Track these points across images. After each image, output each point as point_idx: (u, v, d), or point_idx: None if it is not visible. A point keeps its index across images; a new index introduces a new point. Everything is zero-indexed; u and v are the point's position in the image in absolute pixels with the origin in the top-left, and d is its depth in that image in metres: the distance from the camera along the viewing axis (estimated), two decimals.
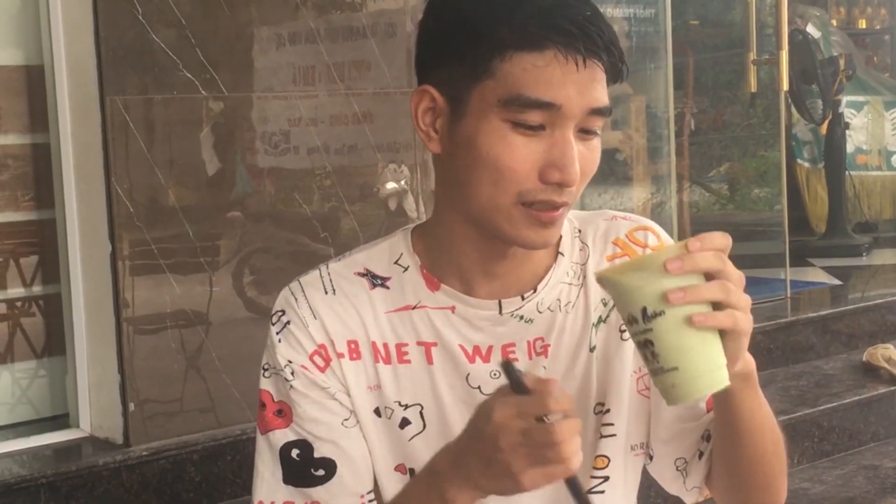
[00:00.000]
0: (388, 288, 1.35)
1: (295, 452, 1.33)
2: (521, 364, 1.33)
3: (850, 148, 6.60)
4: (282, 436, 1.34)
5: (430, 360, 1.34)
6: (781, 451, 1.33)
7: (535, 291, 1.34)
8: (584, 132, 1.25)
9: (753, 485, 1.33)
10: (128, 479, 2.94)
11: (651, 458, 1.43)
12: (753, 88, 5.37)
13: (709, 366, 1.11)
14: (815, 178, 6.58)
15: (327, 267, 1.38)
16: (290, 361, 1.33)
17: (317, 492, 1.32)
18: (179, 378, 3.16)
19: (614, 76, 1.26)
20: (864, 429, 4.03)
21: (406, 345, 1.34)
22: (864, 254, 6.26)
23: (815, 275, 5.72)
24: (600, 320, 1.36)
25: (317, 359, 1.33)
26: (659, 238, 1.41)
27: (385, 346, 1.34)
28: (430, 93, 1.27)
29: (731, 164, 7.00)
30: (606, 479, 1.39)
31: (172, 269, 3.14)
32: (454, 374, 1.34)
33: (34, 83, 3.21)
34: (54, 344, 3.30)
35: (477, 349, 1.34)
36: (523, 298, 1.34)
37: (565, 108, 1.21)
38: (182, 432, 3.09)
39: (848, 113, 6.54)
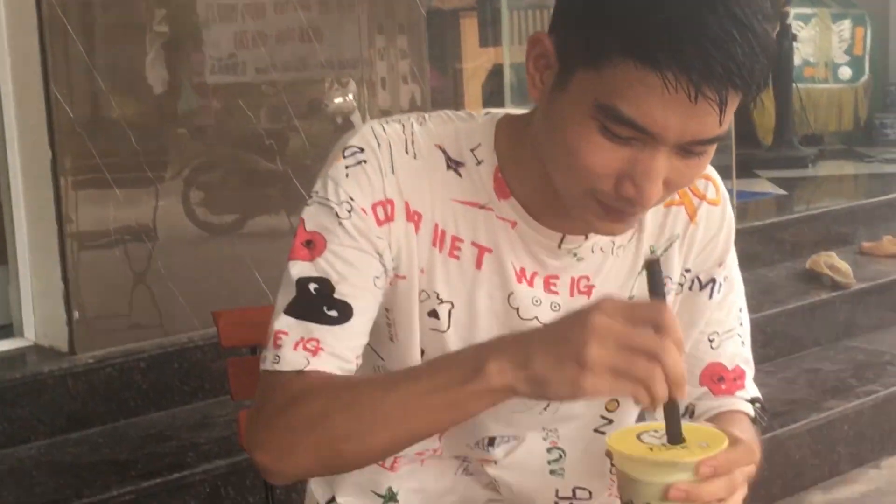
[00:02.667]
0: (460, 176, 1.26)
1: (313, 286, 1.22)
2: (561, 299, 1.30)
3: (797, 60, 6.62)
4: (302, 268, 1.23)
5: (479, 265, 1.27)
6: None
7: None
8: (689, 151, 1.12)
9: None
10: (74, 387, 2.93)
11: None
12: None
13: None
14: (763, 90, 6.60)
15: (412, 126, 1.27)
16: (353, 199, 1.23)
17: (320, 330, 1.21)
18: (125, 288, 3.14)
19: (744, 101, 1.12)
20: (806, 334, 4.10)
21: (462, 241, 1.26)
22: (810, 165, 6.31)
23: (762, 186, 5.77)
24: (643, 268, 1.30)
25: (380, 210, 1.23)
26: (718, 191, 1.34)
27: (443, 232, 1.26)
28: (546, 46, 1.15)
29: None
30: (611, 422, 1.39)
31: (118, 184, 3.10)
32: (499, 286, 1.28)
33: None
34: None
35: (523, 271, 1.28)
36: (586, 237, 1.28)
37: (660, 136, 1.09)
38: (128, 340, 3.07)
39: (795, 25, 6.55)
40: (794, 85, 6.48)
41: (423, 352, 1.30)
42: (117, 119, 3.09)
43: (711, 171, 1.33)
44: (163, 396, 3.05)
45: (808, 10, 6.88)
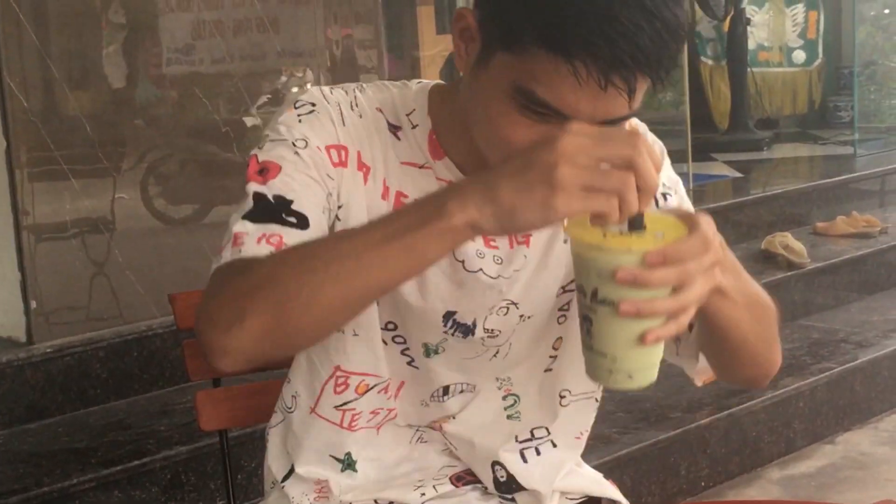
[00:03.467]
0: (399, 139, 1.32)
1: (271, 196, 1.23)
2: (502, 252, 1.33)
3: (751, 45, 6.68)
4: (259, 187, 1.24)
5: None
6: (768, 326, 1.29)
7: None
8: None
9: (740, 363, 1.32)
10: (32, 377, 2.92)
11: None
12: None
13: (639, 364, 1.08)
14: (719, 75, 6.65)
15: (353, 91, 1.33)
16: (308, 138, 1.26)
17: (282, 230, 1.21)
18: (83, 277, 3.14)
19: (653, 86, 1.16)
20: None
21: (406, 196, 1.30)
22: (766, 148, 6.37)
23: (719, 169, 5.83)
24: None
25: (334, 153, 1.28)
26: (632, 127, 1.34)
27: (388, 189, 1.30)
28: (469, 22, 1.19)
29: None
30: (555, 357, 1.43)
31: (75, 174, 3.09)
32: None
33: None
34: None
35: None
36: None
37: (574, 117, 1.11)
38: (87, 330, 3.07)
39: (750, 9, 6.60)
40: (748, 69, 6.54)
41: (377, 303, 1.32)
42: (73, 109, 3.08)
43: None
44: (122, 385, 3.05)
45: None
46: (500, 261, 1.34)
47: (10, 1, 2.94)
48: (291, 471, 1.46)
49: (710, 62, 6.69)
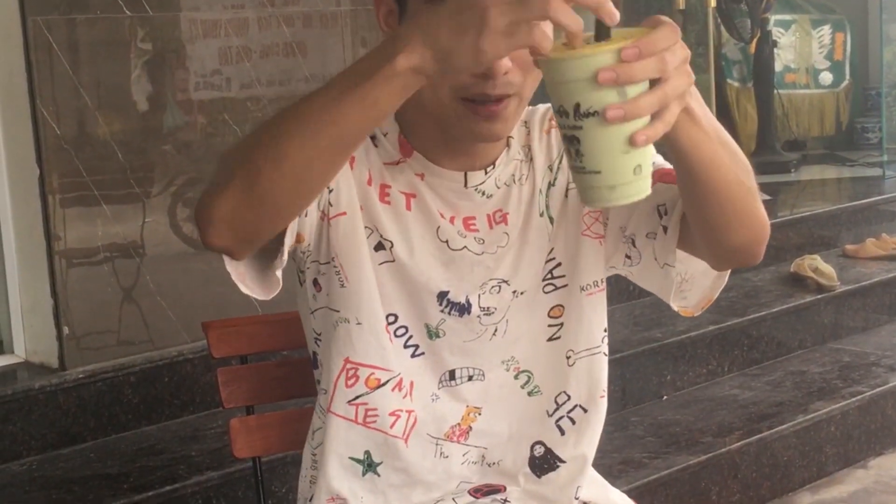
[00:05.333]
0: (375, 146, 1.42)
1: None
2: (482, 234, 1.43)
3: (778, 66, 6.66)
4: None
5: (408, 207, 1.41)
6: (746, 172, 1.28)
7: (493, 167, 1.43)
8: None
9: (727, 218, 1.28)
10: (64, 402, 2.94)
11: (630, 258, 1.47)
12: (682, 6, 5.40)
13: (633, 174, 1.07)
14: (745, 97, 6.64)
15: None
16: None
17: None
18: (114, 302, 3.16)
19: None
20: (791, 337, 4.13)
21: (390, 187, 1.41)
22: (793, 170, 6.34)
23: None
24: (549, 185, 1.46)
25: None
26: None
27: (371, 178, 1.41)
28: (388, 1, 1.32)
29: None
30: (561, 325, 1.48)
31: (106, 200, 3.11)
32: (426, 224, 1.42)
33: None
34: None
35: (442, 216, 1.42)
36: (486, 173, 1.42)
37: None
38: (118, 355, 3.09)
39: (776, 31, 6.59)
40: (775, 91, 6.53)
41: (381, 286, 1.41)
42: (104, 136, 3.11)
43: None
44: (153, 410, 3.07)
45: (788, 17, 6.93)
46: (481, 241, 1.43)
47: (42, 29, 2.98)
48: (317, 490, 1.49)
49: (736, 84, 6.68)
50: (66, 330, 3.04)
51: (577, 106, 1.04)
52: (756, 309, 4.06)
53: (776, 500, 3.41)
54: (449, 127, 1.34)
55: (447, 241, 1.42)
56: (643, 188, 1.08)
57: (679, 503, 3.13)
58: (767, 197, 5.59)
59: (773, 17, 6.47)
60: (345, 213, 1.39)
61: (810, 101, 7.01)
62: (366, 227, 1.40)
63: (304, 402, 1.71)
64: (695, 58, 6.59)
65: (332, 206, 1.38)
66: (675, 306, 1.47)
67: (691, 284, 1.45)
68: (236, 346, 1.76)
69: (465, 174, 1.41)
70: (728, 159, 1.22)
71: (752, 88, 6.57)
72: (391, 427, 1.44)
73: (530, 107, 1.46)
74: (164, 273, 3.22)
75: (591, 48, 1.04)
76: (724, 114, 6.32)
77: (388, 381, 1.43)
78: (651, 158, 1.09)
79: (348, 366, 1.42)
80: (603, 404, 1.53)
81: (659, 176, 1.34)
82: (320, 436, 1.48)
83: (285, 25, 3.46)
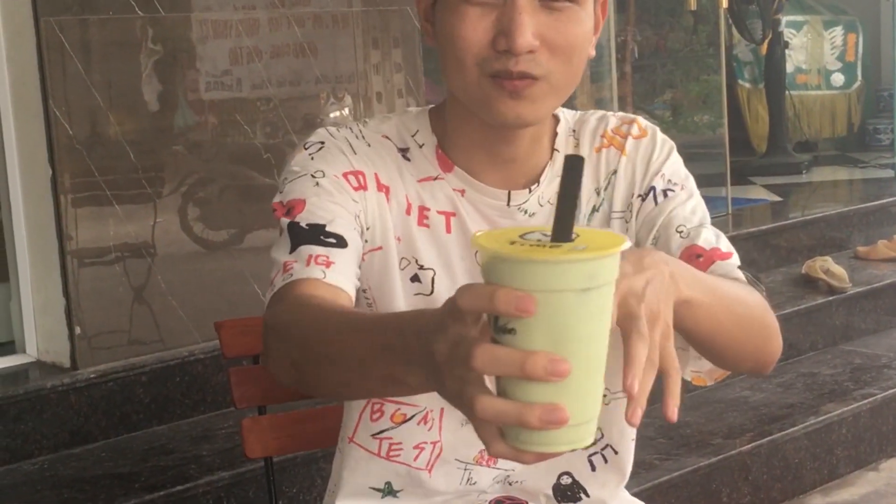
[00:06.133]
0: (409, 160, 1.38)
1: (304, 224, 1.28)
2: None
3: (789, 67, 6.65)
4: (288, 221, 1.29)
5: (448, 229, 1.37)
6: (755, 319, 1.27)
7: (538, 184, 1.37)
8: (545, 4, 1.24)
9: (736, 359, 1.29)
10: (76, 402, 2.94)
11: None
12: (693, 6, 5.39)
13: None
14: (756, 98, 6.63)
15: (357, 126, 1.40)
16: (324, 170, 1.32)
17: (325, 250, 1.25)
18: (126, 302, 3.16)
19: None
20: (802, 339, 4.12)
21: (428, 209, 1.37)
22: (804, 171, 6.34)
23: (757, 192, 5.80)
24: (594, 210, 1.41)
25: (352, 178, 1.33)
26: (641, 127, 1.43)
27: (410, 205, 1.37)
28: None
29: (675, 92, 7.04)
30: None
31: (118, 200, 3.12)
32: (466, 246, 1.37)
33: None
34: None
35: None
36: (530, 191, 1.37)
37: None
38: (130, 355, 3.09)
39: (787, 33, 6.58)
40: (787, 92, 6.52)
41: None
42: (115, 136, 3.12)
43: (637, 117, 1.45)
44: (165, 410, 3.07)
45: (799, 18, 6.92)
46: None
47: (54, 29, 2.99)
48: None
49: (747, 85, 6.67)
50: (77, 329, 3.05)
51: (496, 319, 0.84)
52: None
53: (787, 502, 3.40)
54: (478, 108, 1.28)
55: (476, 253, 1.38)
56: (585, 435, 0.86)
57: None
58: (779, 198, 5.58)
59: (784, 18, 6.46)
60: (380, 248, 1.35)
61: (822, 102, 7.00)
62: (402, 259, 1.36)
63: (317, 403, 1.71)
64: (706, 59, 6.61)
65: (367, 242, 1.34)
66: (687, 375, 1.39)
67: None
68: (249, 346, 1.76)
69: (509, 193, 1.37)
70: (734, 320, 1.22)
71: (764, 90, 6.56)
72: (414, 459, 1.42)
73: (580, 111, 1.43)
74: (175, 273, 3.23)
75: (527, 250, 0.83)
76: (735, 115, 6.32)
77: (413, 416, 1.40)
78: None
79: (374, 400, 1.40)
80: (632, 448, 1.49)
81: (687, 256, 1.32)
82: (340, 459, 1.46)
83: (296, 26, 3.47)
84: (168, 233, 3.23)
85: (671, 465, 3.12)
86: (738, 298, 1.25)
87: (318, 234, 1.26)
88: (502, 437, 0.85)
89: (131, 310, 3.17)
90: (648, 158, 1.41)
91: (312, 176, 1.31)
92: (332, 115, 3.59)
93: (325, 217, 1.28)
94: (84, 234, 3.08)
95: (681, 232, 1.37)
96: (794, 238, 4.80)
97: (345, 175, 1.32)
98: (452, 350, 0.85)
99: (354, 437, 1.42)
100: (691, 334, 1.20)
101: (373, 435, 1.41)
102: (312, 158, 1.33)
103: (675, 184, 1.40)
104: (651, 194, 1.40)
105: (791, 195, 5.79)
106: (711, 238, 1.36)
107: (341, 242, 1.26)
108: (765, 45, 6.35)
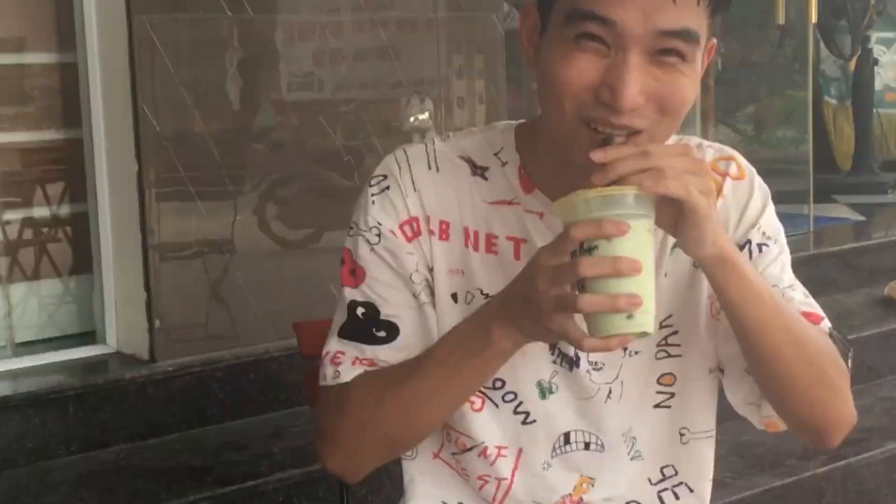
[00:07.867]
0: (486, 179, 1.37)
1: (360, 311, 1.37)
2: None
3: (878, 85, 6.55)
4: (351, 293, 1.39)
5: (517, 256, 1.35)
6: (817, 362, 1.29)
7: None
8: (663, 54, 1.20)
9: (786, 393, 1.30)
10: (153, 394, 2.99)
11: (722, 371, 1.43)
12: (781, 20, 5.32)
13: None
14: (842, 115, 6.53)
15: (433, 143, 1.40)
16: (380, 224, 1.36)
17: (372, 349, 1.37)
18: (204, 298, 3.20)
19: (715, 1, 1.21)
20: (882, 362, 4.04)
21: (496, 237, 1.36)
22: (890, 191, 6.22)
23: (840, 211, 5.71)
24: (675, 245, 1.34)
25: (407, 228, 1.36)
26: (740, 167, 1.40)
27: (476, 233, 1.36)
28: (531, 10, 1.29)
29: (758, 106, 6.95)
30: (672, 395, 1.42)
31: (201, 196, 3.17)
32: None
33: (62, 3, 3.22)
34: (81, 262, 3.33)
35: None
36: None
37: (622, 27, 1.18)
38: (206, 350, 3.13)
39: (877, 49, 6.47)
40: (874, 110, 6.41)
41: None
42: (201, 133, 3.16)
43: (731, 150, 1.43)
44: (239, 406, 3.10)
45: (890, 35, 6.81)
46: None
47: (146, 27, 3.04)
48: None
49: (833, 102, 6.57)
50: (157, 323, 3.09)
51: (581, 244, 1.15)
52: (846, 332, 3.92)
53: None
54: (566, 149, 1.25)
55: None
56: (643, 323, 1.17)
57: None
58: (862, 218, 5.48)
59: (875, 35, 6.36)
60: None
61: None
62: (468, 293, 1.36)
63: None
64: (792, 74, 6.52)
65: (432, 282, 1.38)
66: (759, 422, 1.43)
67: None
68: None
69: None
70: (784, 333, 1.27)
71: (850, 107, 6.46)
72: (479, 490, 1.43)
73: (676, 138, 1.39)
74: (253, 270, 3.26)
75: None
76: (820, 132, 6.22)
77: (472, 448, 1.41)
78: (653, 299, 1.17)
79: (447, 424, 1.42)
80: (709, 488, 1.49)
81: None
82: (420, 471, 1.47)
83: (381, 29, 3.49)
84: (247, 230, 3.27)
85: (743, 483, 3.09)
86: (798, 321, 1.29)
87: (370, 327, 1.37)
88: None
89: (209, 305, 3.21)
90: (745, 205, 1.39)
91: (369, 241, 1.37)
92: (413, 119, 3.60)
93: (381, 295, 1.37)
94: (166, 228, 3.12)
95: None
96: (876, 259, 4.71)
97: (400, 227, 1.36)
98: (555, 274, 1.14)
99: (440, 454, 1.45)
100: (737, 312, 1.25)
101: (452, 453, 1.44)
102: (373, 203, 1.37)
103: (770, 237, 1.39)
104: (747, 248, 1.38)
105: (875, 215, 5.69)
106: (801, 300, 1.40)
107: (391, 333, 1.36)
108: (853, 62, 6.26)
